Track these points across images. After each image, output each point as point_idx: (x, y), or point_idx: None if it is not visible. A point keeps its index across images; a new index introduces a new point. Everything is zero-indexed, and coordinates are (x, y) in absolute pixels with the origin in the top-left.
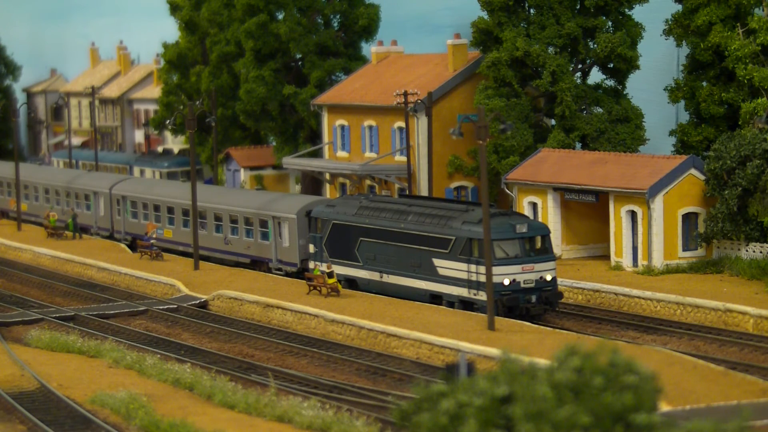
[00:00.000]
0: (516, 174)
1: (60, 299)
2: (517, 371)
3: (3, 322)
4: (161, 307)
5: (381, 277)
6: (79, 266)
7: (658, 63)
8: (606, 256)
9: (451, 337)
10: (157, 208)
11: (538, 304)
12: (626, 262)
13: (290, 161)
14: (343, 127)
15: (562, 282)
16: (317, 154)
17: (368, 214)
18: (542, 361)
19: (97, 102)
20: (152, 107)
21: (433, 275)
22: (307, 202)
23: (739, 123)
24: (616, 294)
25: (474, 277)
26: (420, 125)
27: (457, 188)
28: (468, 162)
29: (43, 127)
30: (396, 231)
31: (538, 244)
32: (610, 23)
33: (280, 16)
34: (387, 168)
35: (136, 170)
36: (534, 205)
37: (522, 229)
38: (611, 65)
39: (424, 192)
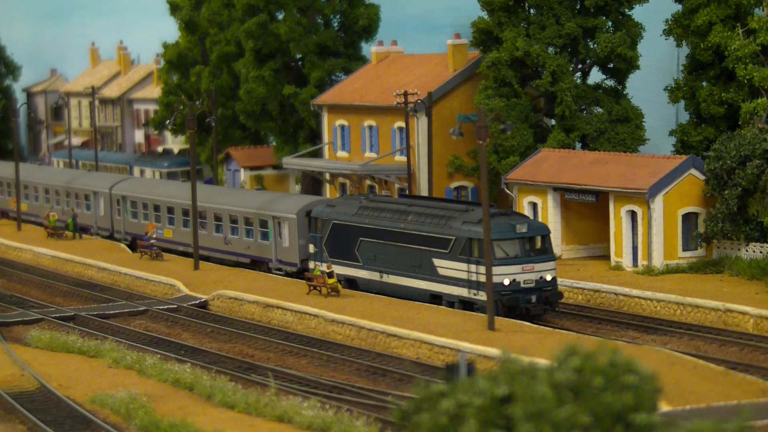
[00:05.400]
0: (516, 174)
1: (60, 299)
2: (517, 371)
3: (3, 322)
4: (161, 307)
5: (381, 277)
6: (79, 266)
7: (658, 63)
8: (606, 256)
9: (451, 337)
10: (157, 208)
11: (538, 304)
12: (626, 262)
13: (290, 161)
14: (343, 127)
15: (562, 282)
16: (317, 154)
17: (368, 214)
18: (542, 361)
19: (97, 102)
20: (152, 107)
21: (433, 275)
22: (307, 202)
23: (739, 123)
24: (616, 294)
25: (474, 277)
26: (420, 125)
27: (457, 188)
28: (468, 162)
29: (43, 127)
30: (396, 231)
31: (538, 244)
32: (610, 23)
33: (280, 16)
34: (387, 168)
35: (136, 170)
36: (534, 205)
37: (522, 229)
38: (611, 65)
39: (424, 192)
